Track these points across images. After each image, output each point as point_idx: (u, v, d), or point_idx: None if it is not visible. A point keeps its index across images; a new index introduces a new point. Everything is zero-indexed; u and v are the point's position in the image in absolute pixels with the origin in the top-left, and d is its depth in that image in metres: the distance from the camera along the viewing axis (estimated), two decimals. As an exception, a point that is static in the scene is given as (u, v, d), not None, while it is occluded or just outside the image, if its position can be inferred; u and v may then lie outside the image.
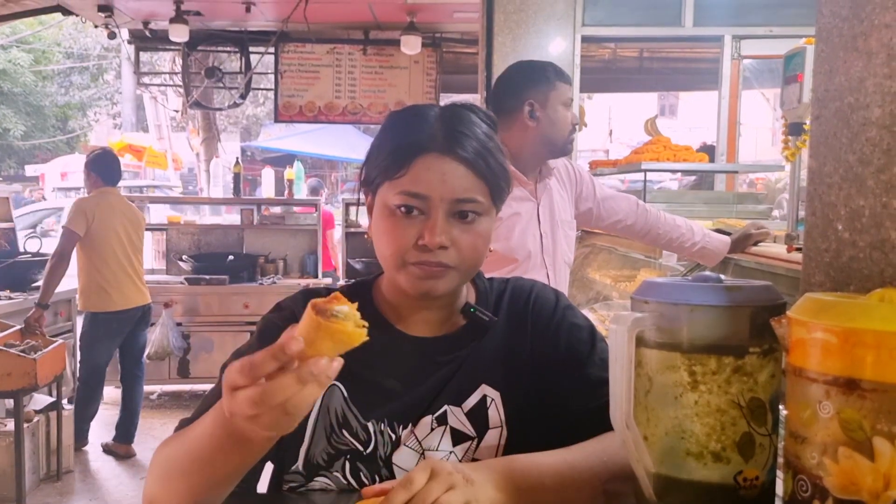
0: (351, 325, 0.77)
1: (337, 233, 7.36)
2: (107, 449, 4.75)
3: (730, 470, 0.81)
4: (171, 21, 6.39)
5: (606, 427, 1.05)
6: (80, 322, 4.90)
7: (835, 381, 0.65)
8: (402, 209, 1.07)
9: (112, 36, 6.77)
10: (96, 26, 6.92)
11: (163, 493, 0.99)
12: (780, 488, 0.81)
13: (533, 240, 2.34)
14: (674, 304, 0.83)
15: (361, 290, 1.22)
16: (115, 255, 4.57)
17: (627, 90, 9.69)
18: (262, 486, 1.17)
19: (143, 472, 4.54)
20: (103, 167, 4.68)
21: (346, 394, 1.13)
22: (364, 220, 6.91)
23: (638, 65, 7.97)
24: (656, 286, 0.87)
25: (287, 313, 1.16)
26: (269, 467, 1.14)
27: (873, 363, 0.63)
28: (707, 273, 0.88)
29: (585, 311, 3.91)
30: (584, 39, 5.20)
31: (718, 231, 2.71)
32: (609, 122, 17.24)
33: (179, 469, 0.96)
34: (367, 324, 0.79)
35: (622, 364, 0.84)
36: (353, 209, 6.90)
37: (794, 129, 2.42)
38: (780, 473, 0.82)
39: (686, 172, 5.90)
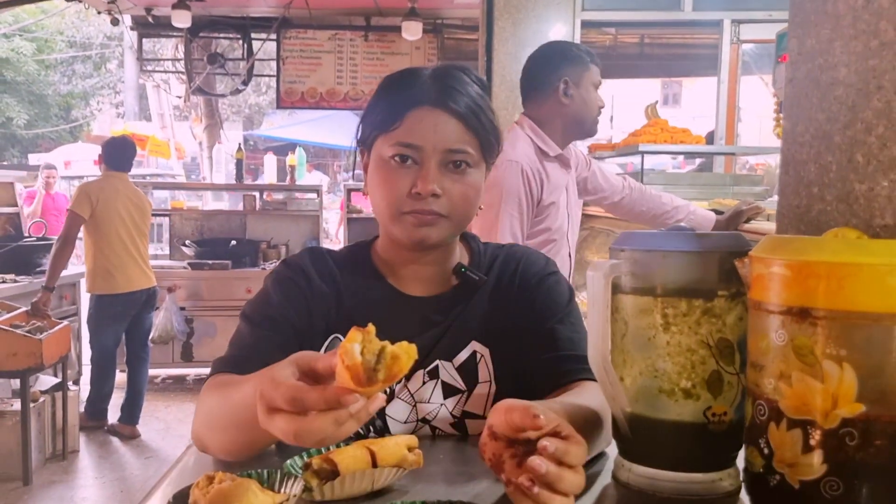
0: (384, 374, 0.73)
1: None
2: (112, 430, 4.82)
3: (699, 406, 0.86)
4: (174, 7, 6.43)
5: (554, 376, 1.14)
6: (85, 306, 4.97)
7: (789, 310, 0.70)
8: (397, 159, 1.12)
9: (115, 22, 6.81)
10: (99, 12, 6.97)
11: (209, 437, 1.05)
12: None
13: (565, 219, 2.41)
14: (648, 251, 0.88)
15: (360, 250, 1.27)
16: (119, 239, 4.62)
17: (629, 76, 9.70)
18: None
19: (147, 452, 4.62)
20: (109, 152, 4.74)
21: None
22: (367, 208, 6.98)
23: (639, 51, 8.00)
24: (632, 236, 0.92)
25: (295, 267, 1.22)
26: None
27: (824, 292, 0.68)
28: (680, 224, 0.93)
29: (584, 292, 3.97)
30: (584, 24, 5.23)
31: (714, 211, 2.75)
32: (611, 109, 17.25)
33: (220, 424, 1.01)
34: (411, 348, 0.76)
35: (598, 308, 0.89)
36: (354, 195, 6.96)
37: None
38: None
39: (686, 155, 5.93)
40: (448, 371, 1.18)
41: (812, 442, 0.69)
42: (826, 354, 0.68)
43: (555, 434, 0.75)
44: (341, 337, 1.20)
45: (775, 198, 4.24)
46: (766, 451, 0.74)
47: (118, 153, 4.75)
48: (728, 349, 0.85)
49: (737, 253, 0.85)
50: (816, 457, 0.69)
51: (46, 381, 4.45)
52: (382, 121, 1.14)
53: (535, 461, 0.71)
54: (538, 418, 0.74)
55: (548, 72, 2.35)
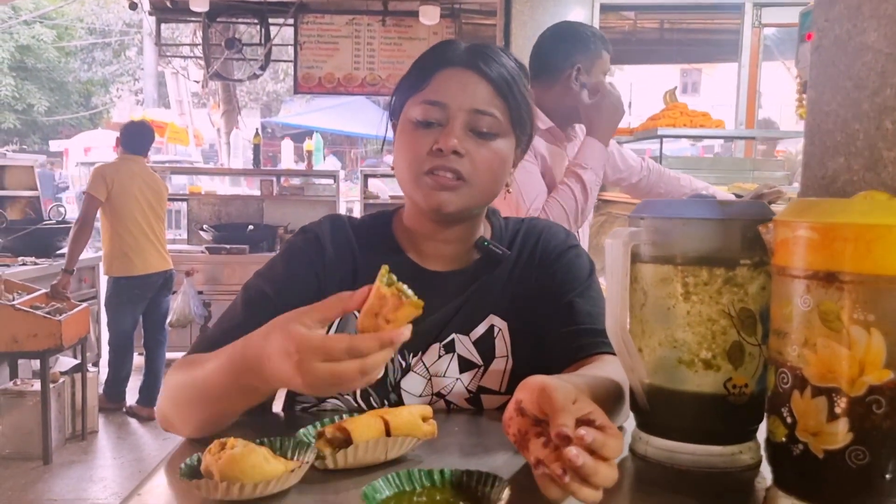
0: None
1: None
2: (130, 411, 4.86)
3: (720, 377, 0.84)
4: (192, -9, 6.42)
5: (572, 350, 1.12)
6: (104, 288, 5.01)
7: (815, 275, 0.68)
8: (422, 121, 1.10)
9: (133, 6, 6.82)
10: (118, -3, 6.96)
11: (174, 414, 1.03)
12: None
13: None
14: (668, 218, 0.86)
15: (381, 221, 1.26)
16: (135, 221, 4.64)
17: (648, 62, 9.61)
18: (277, 406, 1.21)
19: (165, 433, 4.62)
20: (126, 135, 4.76)
21: None
22: (383, 194, 6.97)
23: (658, 36, 7.90)
24: (652, 204, 0.89)
25: (311, 236, 1.21)
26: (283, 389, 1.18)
27: (851, 255, 0.65)
28: (701, 192, 0.90)
29: (601, 279, 3.95)
30: (603, 8, 5.17)
31: (734, 195, 2.72)
32: (630, 96, 17.12)
33: (188, 399, 1.00)
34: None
35: (617, 277, 0.87)
36: (371, 181, 6.95)
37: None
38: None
39: (706, 139, 5.86)
40: (464, 345, 1.17)
41: (837, 410, 0.67)
42: (853, 320, 0.65)
43: (588, 422, 0.73)
44: (357, 314, 1.19)
45: (796, 185, 4.21)
46: (788, 420, 0.72)
47: (135, 136, 4.77)
48: (750, 319, 0.83)
49: (760, 220, 0.82)
50: (842, 425, 0.67)
51: (66, 362, 4.49)
52: (412, 84, 1.14)
53: (572, 452, 0.69)
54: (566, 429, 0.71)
55: (560, 56, 2.30)
